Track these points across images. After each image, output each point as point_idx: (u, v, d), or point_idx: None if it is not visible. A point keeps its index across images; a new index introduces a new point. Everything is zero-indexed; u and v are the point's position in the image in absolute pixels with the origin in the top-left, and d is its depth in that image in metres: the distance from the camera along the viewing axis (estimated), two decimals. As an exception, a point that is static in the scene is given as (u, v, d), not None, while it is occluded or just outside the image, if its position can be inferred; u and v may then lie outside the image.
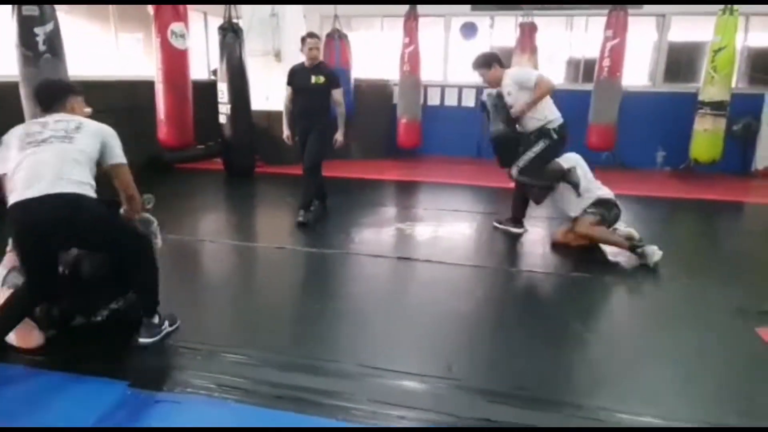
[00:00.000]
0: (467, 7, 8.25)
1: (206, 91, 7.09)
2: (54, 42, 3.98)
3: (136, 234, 2.60)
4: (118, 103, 6.66)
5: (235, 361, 2.42)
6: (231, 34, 6.40)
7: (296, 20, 7.56)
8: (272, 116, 7.50)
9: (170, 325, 2.63)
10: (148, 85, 6.29)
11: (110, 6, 6.77)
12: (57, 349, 2.48)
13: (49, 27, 3.94)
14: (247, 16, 7.25)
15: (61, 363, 2.38)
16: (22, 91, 3.99)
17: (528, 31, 6.88)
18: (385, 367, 2.39)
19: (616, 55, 6.69)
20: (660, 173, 7.67)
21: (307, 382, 2.27)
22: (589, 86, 7.63)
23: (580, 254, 4.01)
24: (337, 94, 4.67)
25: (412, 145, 7.76)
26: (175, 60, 5.28)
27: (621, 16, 6.62)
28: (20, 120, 4.09)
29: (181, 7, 5.23)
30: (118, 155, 2.47)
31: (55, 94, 2.55)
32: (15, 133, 2.40)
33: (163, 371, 2.35)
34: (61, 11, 6.49)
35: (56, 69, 4.03)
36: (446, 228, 4.71)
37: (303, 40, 4.61)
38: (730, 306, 3.10)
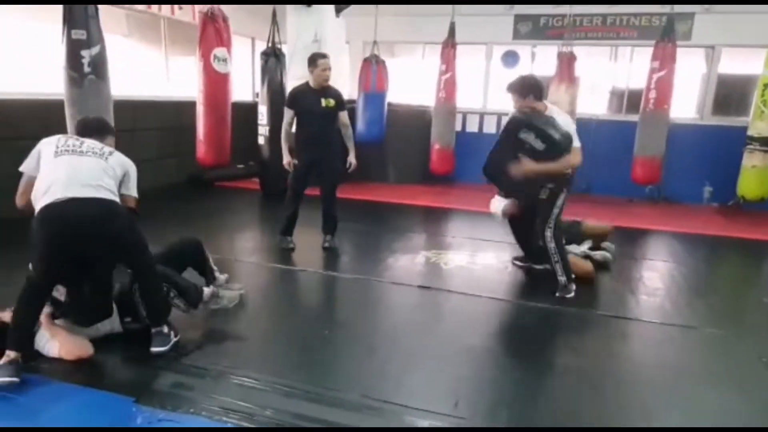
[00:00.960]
0: (509, 36, 8.24)
1: (249, 112, 7.32)
2: (99, 64, 4.18)
3: (147, 246, 2.71)
4: (165, 122, 6.99)
5: (242, 384, 2.43)
6: (273, 59, 6.59)
7: (338, 46, 7.74)
8: (310, 139, 7.66)
9: (176, 335, 2.71)
10: (192, 106, 6.54)
11: (162, 29, 7.12)
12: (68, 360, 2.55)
13: (95, 50, 4.15)
14: (291, 41, 7.47)
15: (71, 374, 2.44)
16: (67, 111, 4.20)
17: (567, 61, 6.79)
18: (390, 399, 2.34)
19: (663, 86, 6.49)
20: (706, 209, 7.34)
21: (310, 410, 2.25)
22: (633, 117, 7.45)
23: (606, 293, 3.86)
24: (344, 117, 4.51)
25: (443, 172, 7.73)
26: (216, 83, 5.46)
27: (669, 47, 6.43)
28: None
29: (224, 32, 5.43)
30: (132, 188, 2.70)
31: (100, 128, 2.83)
32: (50, 141, 2.56)
33: (170, 390, 2.37)
34: (118, 34, 6.91)
35: (99, 90, 4.22)
36: (473, 257, 4.62)
37: (314, 60, 4.29)
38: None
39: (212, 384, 2.42)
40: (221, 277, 3.45)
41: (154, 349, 2.60)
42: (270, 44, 6.61)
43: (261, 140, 6.80)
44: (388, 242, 4.95)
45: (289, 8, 7.39)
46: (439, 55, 7.41)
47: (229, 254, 4.41)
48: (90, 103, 4.20)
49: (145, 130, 6.73)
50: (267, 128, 6.70)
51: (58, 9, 4.16)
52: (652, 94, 6.48)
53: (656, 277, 4.38)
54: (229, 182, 7.63)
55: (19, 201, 2.60)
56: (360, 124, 7.59)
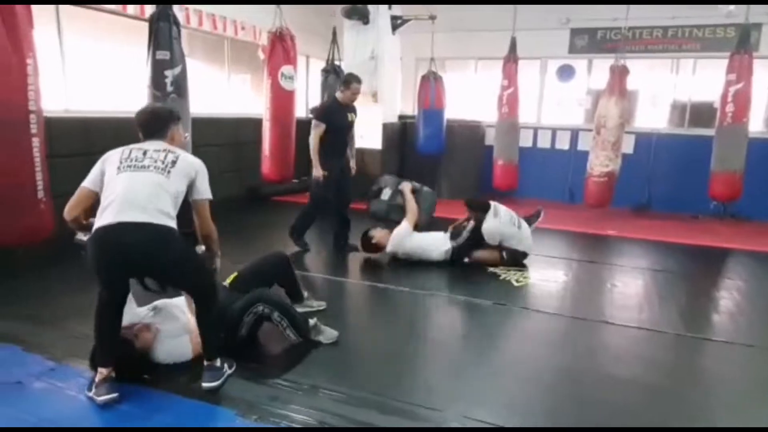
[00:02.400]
0: (565, 50, 8.16)
1: (303, 127, 7.42)
2: (180, 83, 4.37)
3: (208, 274, 2.56)
4: (225, 138, 7.18)
5: (336, 399, 2.44)
6: (332, 75, 6.72)
7: (393, 63, 7.83)
8: (365, 153, 7.73)
9: (229, 368, 2.51)
10: (251, 122, 6.72)
11: (225, 49, 7.36)
12: (168, 370, 2.62)
13: (178, 70, 4.33)
14: (348, 58, 7.60)
15: (169, 383, 2.52)
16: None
17: (618, 74, 6.64)
18: (492, 421, 2.31)
19: (741, 99, 6.19)
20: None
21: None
22: (697, 131, 7.24)
23: (681, 314, 3.74)
24: (354, 130, 5.00)
25: (508, 188, 7.65)
26: (283, 100, 5.61)
27: (745, 58, 6.19)
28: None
29: (291, 50, 5.58)
30: (202, 191, 2.46)
31: (158, 121, 2.55)
32: (114, 154, 2.41)
33: (266, 403, 2.40)
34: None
35: (180, 107, 4.36)
36: (545, 275, 4.53)
37: (349, 83, 4.68)
38: None
39: (305, 398, 2.44)
40: (307, 296, 3.45)
41: (205, 385, 2.39)
42: (329, 61, 6.74)
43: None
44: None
45: (347, 26, 7.54)
46: (501, 70, 7.37)
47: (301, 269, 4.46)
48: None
49: (207, 145, 6.91)
50: (325, 143, 6.80)
51: (143, 33, 4.38)
52: (730, 108, 6.19)
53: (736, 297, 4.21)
54: (284, 197, 7.77)
55: (67, 214, 2.40)
56: (421, 140, 7.64)
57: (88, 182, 2.39)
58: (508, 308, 3.72)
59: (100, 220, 2.27)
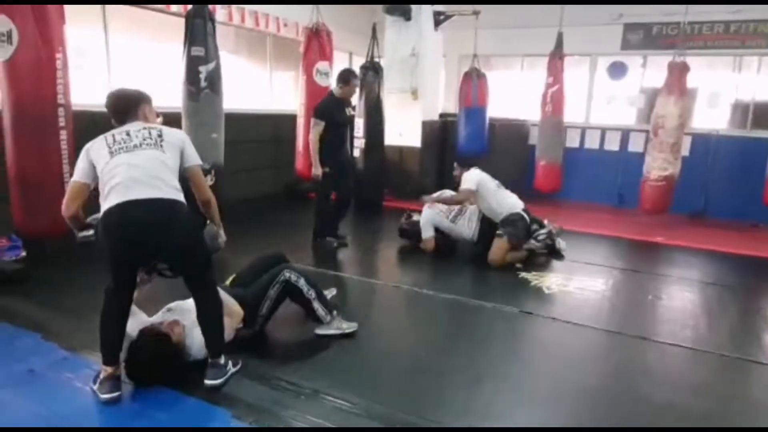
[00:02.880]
0: (617, 46, 7.75)
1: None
2: (214, 79, 4.38)
3: (209, 256, 2.52)
4: (264, 135, 7.23)
5: (339, 407, 2.34)
6: (372, 72, 6.63)
7: (435, 59, 7.67)
8: (404, 152, 7.63)
9: (233, 366, 2.49)
10: (289, 119, 6.72)
11: (267, 46, 7.41)
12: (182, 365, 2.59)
13: (212, 66, 4.35)
14: (388, 55, 7.50)
15: (174, 380, 2.48)
16: (184, 123, 4.42)
17: (678, 72, 6.21)
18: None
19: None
20: None
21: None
22: (761, 133, 6.72)
23: (731, 333, 3.43)
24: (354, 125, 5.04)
25: (550, 189, 7.34)
26: (317, 96, 5.54)
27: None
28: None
29: (327, 46, 5.53)
30: (193, 157, 2.45)
31: (128, 102, 2.49)
32: (98, 142, 2.35)
33: (268, 406, 2.33)
34: (225, 50, 7.28)
35: (213, 103, 4.42)
36: (579, 282, 4.27)
37: (347, 80, 4.64)
38: None
39: (307, 403, 2.36)
40: (334, 314, 3.20)
41: (207, 382, 2.35)
42: (369, 58, 6.65)
43: (356, 152, 6.84)
44: (486, 261, 4.71)
45: (388, 22, 7.44)
46: (546, 67, 7.08)
47: (318, 266, 4.40)
48: (205, 115, 4.42)
49: (247, 141, 7.00)
50: (363, 141, 6.73)
51: (180, 29, 4.42)
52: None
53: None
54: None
55: (65, 210, 2.34)
56: (462, 139, 7.45)
57: (78, 176, 2.34)
58: (534, 317, 3.52)
59: (107, 203, 2.24)
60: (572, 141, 8.14)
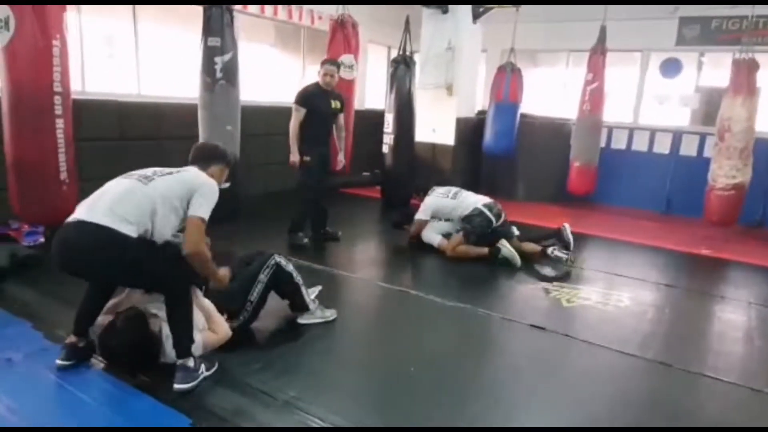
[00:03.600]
0: (671, 41, 7.20)
1: (380, 120, 7.21)
2: (230, 70, 4.32)
3: (173, 276, 2.38)
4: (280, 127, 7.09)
5: (306, 425, 2.18)
6: (403, 66, 6.42)
7: (472, 54, 7.36)
8: (437, 149, 7.39)
9: (207, 369, 2.43)
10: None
11: (302, 38, 7.34)
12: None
13: (228, 57, 4.28)
14: (424, 48, 7.27)
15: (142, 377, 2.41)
16: (200, 113, 4.39)
17: (745, 70, 5.66)
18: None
19: None
20: None
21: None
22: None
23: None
24: (342, 119, 4.75)
25: (583, 192, 6.92)
26: (341, 90, 5.39)
27: None
28: (197, 138, 4.52)
29: (353, 38, 5.37)
30: (195, 207, 2.32)
31: (204, 154, 2.63)
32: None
33: (230, 416, 2.20)
34: (266, 43, 7.27)
35: (228, 94, 4.36)
36: (604, 296, 3.94)
37: (322, 64, 4.52)
38: None
39: (274, 416, 2.22)
40: (315, 305, 3.17)
41: (176, 386, 2.29)
42: (401, 51, 6.44)
43: (385, 149, 6.67)
44: (505, 267, 4.45)
45: (425, 15, 7.20)
46: (586, 63, 6.66)
47: (333, 266, 4.26)
48: (219, 106, 4.37)
49: (279, 134, 6.93)
50: (392, 137, 6.55)
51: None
52: None
53: None
54: (353, 189, 7.64)
55: None
56: (488, 136, 7.14)
57: None
58: (546, 333, 3.23)
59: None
60: (618, 142, 7.65)
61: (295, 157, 4.40)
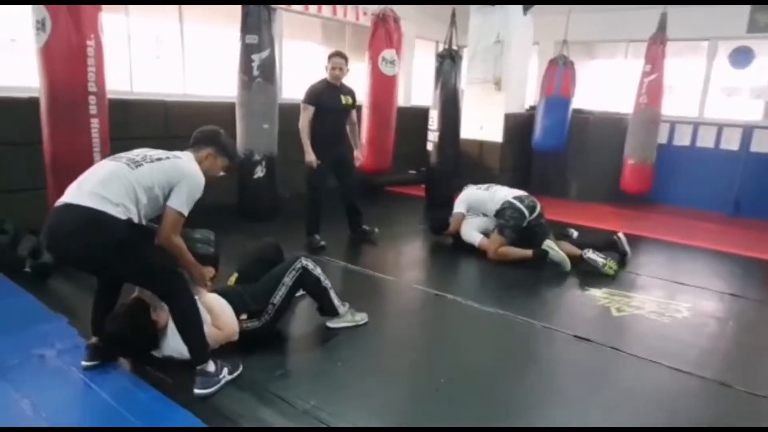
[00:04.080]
0: (742, 29, 6.63)
1: (405, 116, 7.03)
2: (267, 67, 4.28)
3: (165, 268, 2.33)
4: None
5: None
6: (449, 61, 6.23)
7: (522, 47, 7.06)
8: (484, 147, 7.15)
9: (230, 373, 2.38)
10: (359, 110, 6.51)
11: (346, 35, 7.28)
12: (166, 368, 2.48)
13: (265, 54, 4.25)
14: (472, 42, 7.05)
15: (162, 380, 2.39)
16: (238, 112, 4.39)
17: None
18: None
19: None
20: None
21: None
22: None
23: None
24: (354, 115, 4.55)
25: (636, 191, 6.49)
26: (382, 85, 5.32)
27: None
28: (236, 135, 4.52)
29: (395, 33, 5.24)
30: (173, 199, 2.25)
31: (199, 136, 2.53)
32: None
33: (247, 423, 2.14)
34: (314, 41, 7.27)
35: (266, 92, 4.33)
36: (660, 306, 3.62)
37: (329, 57, 4.27)
38: None
39: (290, 425, 2.13)
40: (346, 308, 3.07)
41: (196, 392, 2.26)
42: (447, 46, 6.25)
43: (429, 146, 6.50)
44: (551, 271, 4.20)
45: (473, 8, 6.97)
46: (644, 53, 6.24)
47: (367, 266, 4.15)
48: (257, 104, 4.35)
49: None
50: (437, 134, 6.37)
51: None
52: None
53: None
54: (398, 187, 7.52)
55: None
56: (538, 132, 6.82)
57: None
58: (591, 345, 3.00)
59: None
60: (681, 138, 7.15)
61: (310, 156, 4.25)
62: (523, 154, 7.35)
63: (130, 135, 4.38)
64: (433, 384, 2.52)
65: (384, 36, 5.20)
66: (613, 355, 2.90)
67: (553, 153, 6.95)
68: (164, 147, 2.49)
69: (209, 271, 2.64)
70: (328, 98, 4.25)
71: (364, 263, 4.25)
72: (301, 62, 7.19)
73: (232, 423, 2.12)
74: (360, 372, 2.62)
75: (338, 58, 4.25)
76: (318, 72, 4.37)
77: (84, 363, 2.45)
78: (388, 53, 5.22)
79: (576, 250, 4.32)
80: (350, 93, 4.42)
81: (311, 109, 4.21)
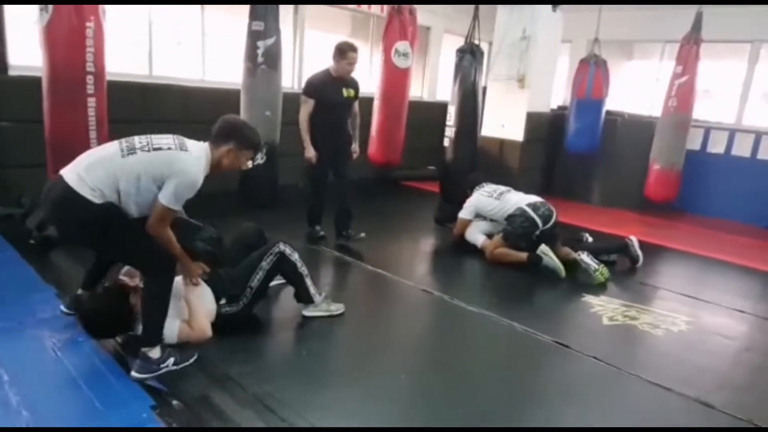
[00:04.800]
0: (788, 31, 6.23)
1: (416, 109, 6.87)
2: (272, 55, 4.28)
3: (144, 252, 2.35)
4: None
5: (264, 423, 2.07)
6: (468, 56, 6.10)
7: (550, 44, 6.85)
8: (505, 145, 6.99)
9: (175, 364, 2.35)
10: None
11: (371, 27, 7.25)
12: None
13: (270, 41, 4.25)
14: (497, 38, 6.89)
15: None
16: (242, 99, 4.42)
17: None
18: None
19: None
20: None
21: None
22: None
23: None
24: (356, 107, 4.35)
25: (661, 198, 6.20)
26: (395, 78, 5.23)
27: None
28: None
29: (409, 25, 5.16)
30: (165, 195, 2.22)
31: (220, 131, 2.43)
32: None
33: (191, 401, 2.15)
34: (342, 33, 7.28)
35: (270, 80, 4.34)
36: (681, 326, 3.37)
37: (343, 52, 4.00)
38: None
39: (236, 408, 2.13)
40: (322, 297, 3.06)
41: (133, 374, 2.26)
42: (468, 40, 6.12)
43: (446, 142, 6.39)
44: (551, 275, 4.04)
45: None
46: (676, 54, 5.95)
47: (366, 260, 4.12)
48: (261, 92, 4.37)
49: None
50: (453, 130, 6.25)
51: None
52: None
53: None
54: (415, 182, 7.46)
55: None
56: (570, 134, 6.62)
57: None
58: (570, 353, 2.87)
59: None
60: (716, 145, 6.78)
61: (310, 151, 4.12)
62: (546, 155, 7.15)
63: (147, 117, 4.48)
64: (394, 384, 2.47)
65: (398, 28, 5.12)
66: (590, 364, 2.77)
67: (586, 155, 6.75)
68: (179, 130, 2.49)
69: (198, 266, 2.64)
70: (329, 91, 4.09)
71: (358, 255, 4.22)
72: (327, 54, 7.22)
73: (175, 398, 2.15)
74: (322, 363, 2.61)
75: (355, 53, 4.05)
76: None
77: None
78: (402, 45, 5.15)
79: (570, 254, 4.16)
80: (353, 84, 4.24)
81: (311, 103, 4.08)
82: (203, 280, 2.70)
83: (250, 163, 2.59)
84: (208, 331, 2.59)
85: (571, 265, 4.08)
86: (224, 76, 5.74)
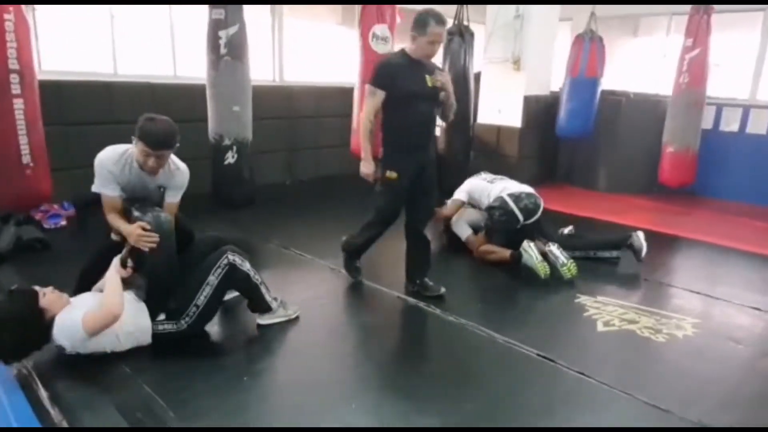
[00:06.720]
0: (806, -4, 5.72)
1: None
2: (236, 45, 3.97)
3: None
4: (336, 109, 6.56)
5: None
6: (457, 38, 5.72)
7: (546, 22, 6.40)
8: (502, 132, 6.59)
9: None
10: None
11: (356, 14, 6.86)
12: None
13: (233, 30, 3.93)
14: (490, 18, 6.47)
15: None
16: (207, 93, 4.11)
17: None
18: None
19: None
20: None
21: None
22: None
23: None
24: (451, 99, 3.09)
25: (677, 183, 5.78)
26: (373, 64, 4.87)
27: None
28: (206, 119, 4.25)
29: (388, 8, 4.79)
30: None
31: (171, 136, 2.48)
32: None
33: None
34: (333, 22, 6.92)
35: (235, 71, 4.02)
36: (697, 331, 2.95)
37: (424, 24, 2.82)
38: None
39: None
40: (279, 303, 2.80)
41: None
42: (456, 21, 5.74)
43: (437, 131, 6.01)
44: (557, 281, 3.56)
45: (492, -21, 6.38)
46: (685, 28, 5.49)
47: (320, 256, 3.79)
48: (225, 85, 4.06)
49: (330, 116, 6.60)
50: (444, 118, 5.88)
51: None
52: None
53: None
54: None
55: None
56: (561, 116, 6.20)
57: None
58: (554, 368, 2.51)
59: None
60: (729, 123, 6.30)
61: (368, 166, 3.02)
62: (546, 140, 6.72)
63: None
64: (340, 411, 2.14)
65: (375, 9, 4.75)
66: (575, 381, 2.41)
67: (579, 139, 6.32)
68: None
69: (136, 225, 2.43)
70: (409, 79, 2.90)
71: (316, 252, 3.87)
72: (316, 44, 6.92)
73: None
74: (264, 391, 2.29)
75: (440, 27, 2.86)
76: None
77: None
78: (380, 29, 4.78)
79: (542, 248, 3.71)
80: (438, 71, 3.01)
81: (381, 95, 2.92)
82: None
83: (151, 161, 2.40)
84: (118, 308, 2.28)
85: (580, 264, 3.65)
86: (195, 71, 5.43)
